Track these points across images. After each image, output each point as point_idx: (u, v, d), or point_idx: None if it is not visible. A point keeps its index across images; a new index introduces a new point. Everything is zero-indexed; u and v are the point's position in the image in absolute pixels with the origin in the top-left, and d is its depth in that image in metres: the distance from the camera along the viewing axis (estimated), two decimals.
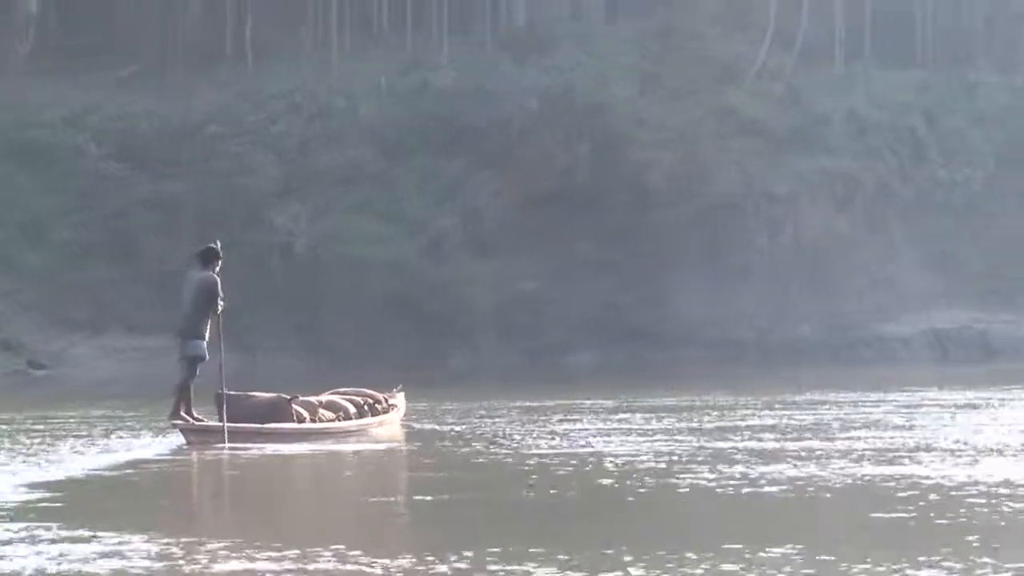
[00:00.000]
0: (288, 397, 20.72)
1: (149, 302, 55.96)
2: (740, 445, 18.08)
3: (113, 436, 21.01)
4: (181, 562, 10.05)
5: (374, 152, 60.72)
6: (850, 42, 67.96)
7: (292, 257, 58.10)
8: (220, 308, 19.96)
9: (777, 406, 25.71)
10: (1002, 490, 13.08)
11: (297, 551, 10.22)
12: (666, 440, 19.04)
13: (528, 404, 27.19)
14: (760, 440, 18.78)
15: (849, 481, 14.22)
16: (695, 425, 21.65)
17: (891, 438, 18.77)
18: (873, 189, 63.14)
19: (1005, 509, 12.01)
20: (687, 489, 13.88)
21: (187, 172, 58.87)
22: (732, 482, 14.17)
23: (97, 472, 16.57)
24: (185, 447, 19.23)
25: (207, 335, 19.85)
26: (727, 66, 65.38)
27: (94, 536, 11.15)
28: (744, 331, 58.10)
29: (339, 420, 21.44)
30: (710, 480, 14.42)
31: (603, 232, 59.62)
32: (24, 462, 17.39)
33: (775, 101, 64.84)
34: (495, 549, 10.14)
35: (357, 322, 55.93)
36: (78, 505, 13.62)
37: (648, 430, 20.83)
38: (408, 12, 65.32)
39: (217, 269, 20.21)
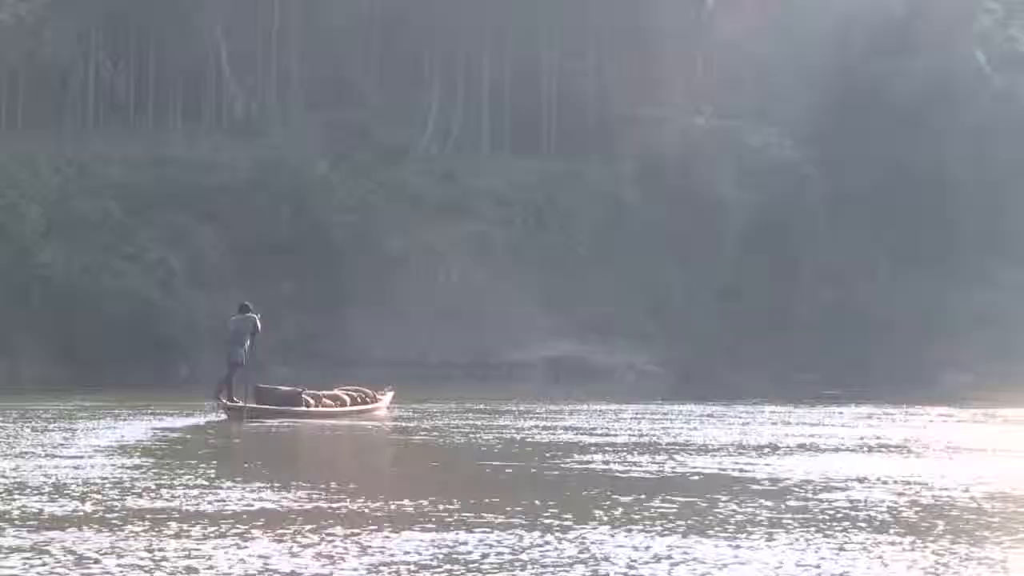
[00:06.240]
0: (300, 390, 24.74)
1: None
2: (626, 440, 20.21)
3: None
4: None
5: (122, 205, 66.09)
6: (493, 134, 76.40)
7: (51, 287, 61.78)
8: (259, 329, 24.99)
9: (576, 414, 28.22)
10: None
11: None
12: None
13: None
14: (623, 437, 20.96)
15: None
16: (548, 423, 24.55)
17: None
18: (508, 248, 70.41)
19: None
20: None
21: None
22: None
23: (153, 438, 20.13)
24: (226, 420, 23.81)
25: (246, 350, 25.00)
26: (397, 150, 73.12)
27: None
28: (407, 354, 63.21)
29: (336, 407, 25.47)
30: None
31: (299, 275, 65.60)
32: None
33: (434, 178, 72.62)
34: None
35: (105, 339, 59.38)
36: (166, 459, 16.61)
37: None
38: (150, 99, 73.41)
39: (259, 315, 25.23)
